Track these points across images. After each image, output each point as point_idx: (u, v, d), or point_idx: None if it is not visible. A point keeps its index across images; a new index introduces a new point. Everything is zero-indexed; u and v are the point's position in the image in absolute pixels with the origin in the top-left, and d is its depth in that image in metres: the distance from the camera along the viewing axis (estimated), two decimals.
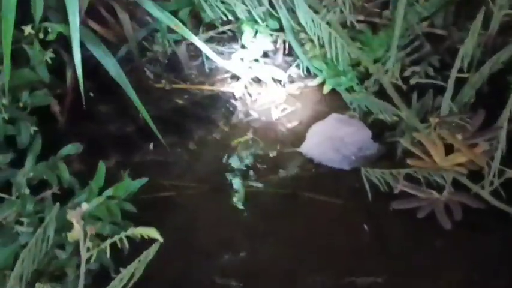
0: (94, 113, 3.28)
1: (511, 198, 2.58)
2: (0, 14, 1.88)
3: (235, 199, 2.97)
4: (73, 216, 1.57)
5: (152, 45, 3.64)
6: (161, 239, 1.63)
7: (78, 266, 1.91)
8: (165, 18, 2.88)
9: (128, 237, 1.66)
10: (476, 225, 2.60)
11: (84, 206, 1.61)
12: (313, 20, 3.07)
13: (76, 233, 1.59)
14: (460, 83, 2.77)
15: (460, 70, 2.71)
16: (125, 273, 1.66)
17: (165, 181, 3.01)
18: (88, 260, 1.66)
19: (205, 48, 2.91)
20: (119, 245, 1.67)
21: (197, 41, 2.84)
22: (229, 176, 3.08)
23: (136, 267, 1.66)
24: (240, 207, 2.94)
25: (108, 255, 1.66)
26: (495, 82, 2.92)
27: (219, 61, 2.92)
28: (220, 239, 2.78)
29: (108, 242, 1.66)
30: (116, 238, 1.64)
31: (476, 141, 2.45)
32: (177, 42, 3.58)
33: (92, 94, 3.31)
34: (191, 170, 3.12)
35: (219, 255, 2.70)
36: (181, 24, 2.96)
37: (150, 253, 1.67)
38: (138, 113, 3.00)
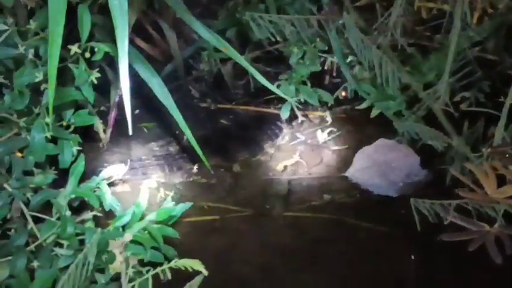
0: (138, 131, 3.26)
1: None
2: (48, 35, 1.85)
3: (278, 224, 2.91)
4: (115, 247, 1.53)
5: (198, 64, 3.62)
6: (205, 272, 1.58)
7: None
8: (213, 39, 2.84)
9: None
10: None
11: (128, 237, 1.57)
12: (363, 43, 3.02)
13: (118, 264, 1.55)
14: None
15: None
16: None
17: (207, 204, 2.96)
18: None
19: (252, 70, 2.86)
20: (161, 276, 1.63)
21: (244, 63, 2.80)
22: (273, 200, 3.03)
23: None
24: (283, 232, 2.88)
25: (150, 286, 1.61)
26: None
27: (265, 83, 2.87)
28: (262, 264, 2.72)
29: (150, 273, 1.62)
30: (158, 270, 1.60)
31: None
32: (223, 61, 3.54)
33: (137, 111, 3.29)
34: (234, 193, 3.07)
35: (260, 281, 2.64)
36: (229, 46, 2.92)
37: (193, 286, 1.62)
38: (182, 133, 2.95)
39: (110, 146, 3.11)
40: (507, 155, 2.46)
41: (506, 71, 3.18)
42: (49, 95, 1.98)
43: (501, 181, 2.36)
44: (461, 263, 2.65)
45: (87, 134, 2.74)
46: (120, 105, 3.10)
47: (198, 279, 1.62)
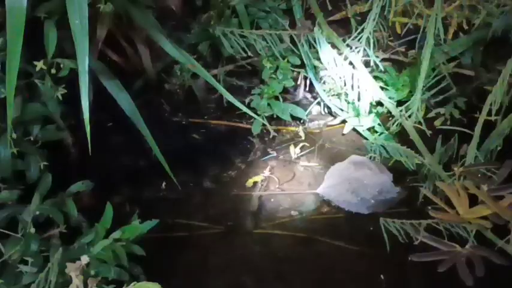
0: (108, 145, 3.22)
1: None
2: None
3: (247, 241, 2.89)
4: (72, 269, 1.49)
5: (170, 78, 3.57)
6: None
7: None
8: (181, 57, 2.82)
9: None
10: (500, 282, 2.50)
11: (84, 259, 1.53)
12: (335, 60, 3.00)
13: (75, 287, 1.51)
14: (486, 126, 2.67)
15: (488, 113, 2.62)
16: None
17: (176, 220, 2.94)
18: None
19: (220, 88, 2.84)
20: None
21: (212, 80, 2.77)
22: (242, 216, 3.00)
23: None
24: (253, 250, 2.85)
25: None
26: None
27: (233, 101, 2.85)
28: (231, 282, 2.71)
29: None
30: None
31: (502, 193, 2.34)
32: (195, 75, 3.50)
33: (110, 124, 3.27)
34: (204, 210, 3.04)
35: None
36: (196, 63, 2.90)
37: None
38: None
39: (79, 159, 3.06)
40: (479, 175, 2.45)
41: (482, 86, 3.17)
42: (8, 111, 1.96)
43: (473, 201, 2.35)
44: (432, 284, 2.63)
45: (56, 148, 2.70)
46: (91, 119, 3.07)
47: None
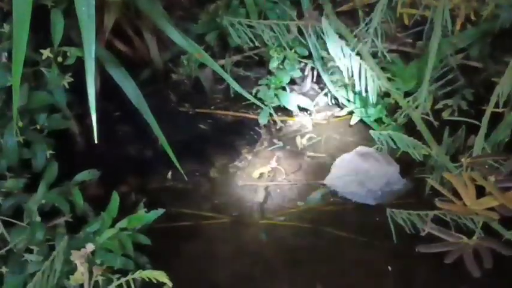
0: (115, 134, 3.23)
1: None
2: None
3: (254, 232, 2.90)
4: (77, 257, 1.48)
5: (178, 68, 3.57)
6: (170, 284, 1.54)
7: None
8: (189, 46, 2.81)
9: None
10: (507, 273, 2.50)
11: (89, 247, 1.53)
12: (342, 50, 2.99)
13: (79, 275, 1.50)
14: (494, 118, 2.66)
15: (495, 105, 2.61)
16: None
17: (182, 210, 2.94)
18: None
19: (227, 77, 2.83)
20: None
21: (219, 69, 2.77)
22: (249, 207, 3.01)
23: None
24: (259, 240, 2.87)
25: None
26: None
27: (240, 90, 2.84)
28: (237, 273, 2.71)
29: (115, 283, 1.58)
30: (122, 281, 1.56)
31: (510, 184, 2.34)
32: (202, 65, 3.49)
33: (117, 113, 3.27)
34: (210, 199, 3.05)
35: None
36: (204, 53, 2.88)
37: None
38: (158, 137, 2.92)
39: (85, 148, 3.07)
40: (486, 166, 2.43)
41: (490, 78, 3.15)
42: (14, 99, 1.96)
43: (480, 192, 2.34)
44: (439, 275, 2.62)
45: (63, 137, 2.70)
46: (97, 108, 3.06)
47: None
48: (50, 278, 1.89)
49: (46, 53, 2.28)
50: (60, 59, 2.31)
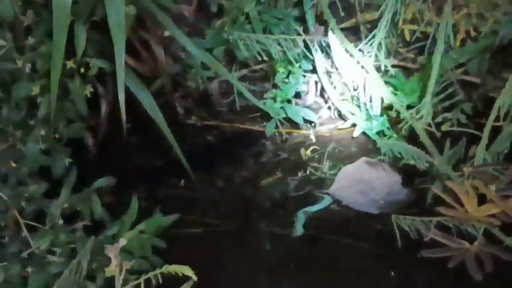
0: (126, 145, 3.28)
1: None
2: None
3: (259, 239, 2.97)
4: (111, 251, 1.58)
5: (185, 81, 3.64)
6: (195, 278, 1.63)
7: None
8: (202, 56, 2.89)
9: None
10: (508, 278, 2.58)
11: (122, 242, 1.62)
12: (347, 64, 3.07)
13: (113, 268, 1.59)
14: (493, 130, 2.74)
15: (495, 118, 2.69)
16: None
17: (192, 217, 3.00)
18: None
19: (240, 87, 2.91)
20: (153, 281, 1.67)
21: (233, 80, 2.85)
22: (255, 215, 3.09)
23: None
24: (264, 248, 2.94)
25: None
26: None
27: (253, 99, 2.92)
28: (242, 279, 2.78)
29: (143, 277, 1.66)
30: (150, 274, 1.64)
31: (510, 193, 2.42)
32: (210, 79, 3.57)
33: (128, 125, 3.34)
34: (218, 208, 3.13)
35: None
36: (217, 62, 2.97)
37: None
38: (169, 147, 2.99)
39: (98, 158, 3.14)
40: (488, 175, 2.51)
41: (488, 93, 3.23)
42: (51, 110, 2.03)
43: (482, 200, 2.42)
44: (442, 280, 2.70)
45: (76, 147, 2.77)
46: (108, 119, 3.15)
47: (187, 285, 1.66)
48: (77, 276, 1.96)
49: (70, 63, 2.35)
50: (82, 69, 2.39)
